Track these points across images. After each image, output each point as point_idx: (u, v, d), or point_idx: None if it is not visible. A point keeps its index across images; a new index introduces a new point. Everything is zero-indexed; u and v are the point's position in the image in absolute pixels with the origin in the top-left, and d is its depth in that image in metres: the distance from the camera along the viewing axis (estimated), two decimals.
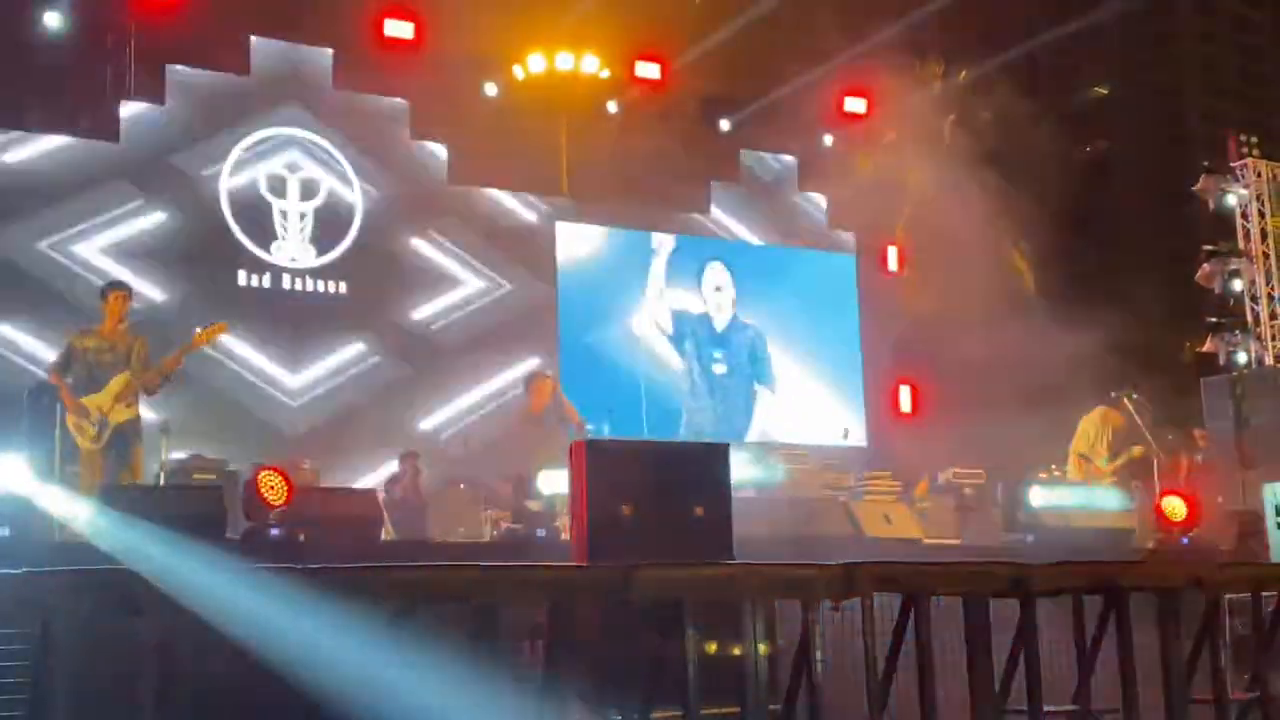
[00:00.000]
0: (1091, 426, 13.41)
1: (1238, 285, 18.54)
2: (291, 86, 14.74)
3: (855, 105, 17.34)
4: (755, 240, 17.49)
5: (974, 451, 14.99)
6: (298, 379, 14.27)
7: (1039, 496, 11.47)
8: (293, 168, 14.65)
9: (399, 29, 14.72)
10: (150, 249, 13.74)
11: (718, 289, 17.14)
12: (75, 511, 8.35)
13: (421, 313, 15.13)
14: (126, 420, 9.22)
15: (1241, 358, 18.19)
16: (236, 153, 14.35)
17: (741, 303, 17.20)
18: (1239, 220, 18.73)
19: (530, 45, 15.93)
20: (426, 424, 14.79)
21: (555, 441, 12.13)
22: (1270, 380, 16.18)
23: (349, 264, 14.75)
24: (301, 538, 8.12)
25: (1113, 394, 13.32)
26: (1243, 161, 18.85)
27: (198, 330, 9.62)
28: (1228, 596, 7.75)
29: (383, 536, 9.28)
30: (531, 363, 14.92)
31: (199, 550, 4.91)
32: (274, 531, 8.07)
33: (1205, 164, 19.23)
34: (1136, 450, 13.18)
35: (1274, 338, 18.46)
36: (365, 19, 14.53)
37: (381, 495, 11.33)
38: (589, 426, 12.59)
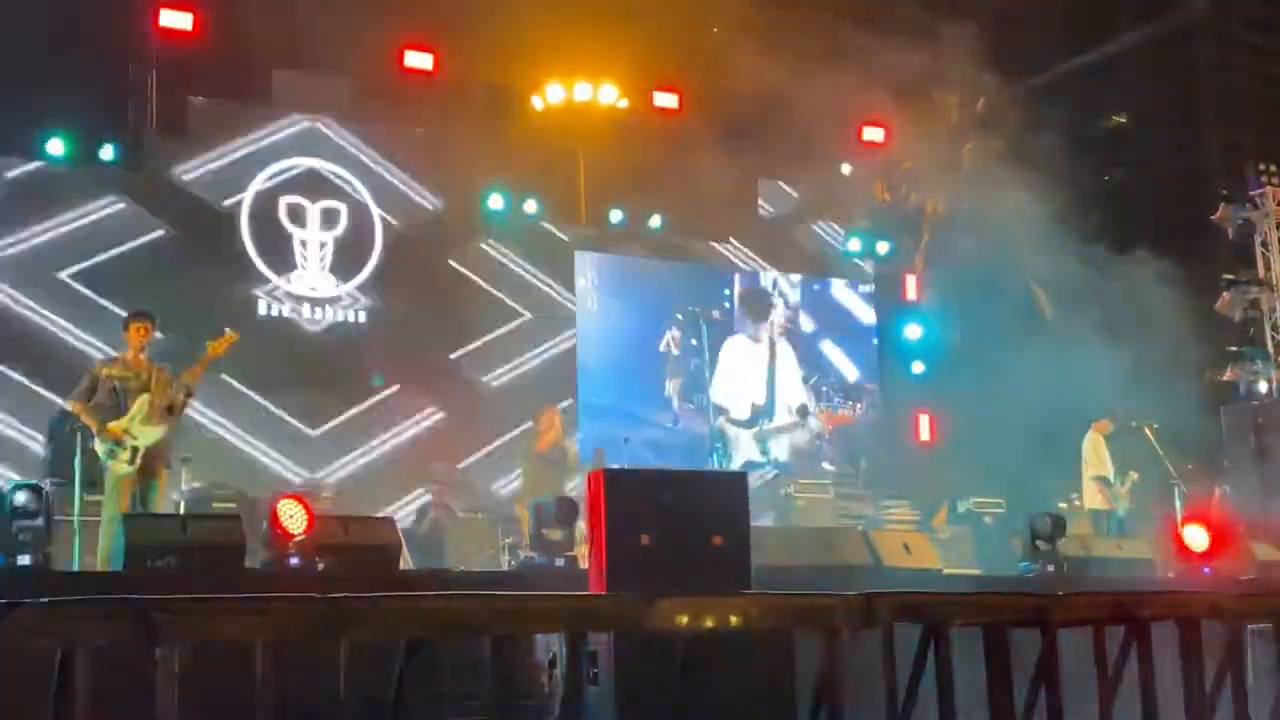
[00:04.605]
0: (1095, 448, 13.36)
1: (1257, 314, 18.46)
2: (312, 117, 14.84)
3: (873, 134, 17.38)
4: (773, 269, 17.49)
5: (993, 480, 14.95)
6: (315, 402, 14.34)
7: (1060, 525, 11.39)
8: (313, 198, 14.73)
9: (419, 60, 14.83)
10: (172, 277, 13.83)
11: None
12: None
13: (438, 342, 15.14)
14: (155, 443, 9.19)
15: (1262, 387, 18.09)
16: (257, 183, 14.45)
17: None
18: (1258, 249, 18.66)
19: (549, 75, 16.00)
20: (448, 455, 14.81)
21: (554, 476, 12.17)
22: None
23: (368, 294, 14.81)
24: (320, 566, 8.13)
25: (1133, 423, 13.29)
26: (1261, 190, 18.78)
27: (208, 343, 9.50)
28: (1250, 627, 7.70)
29: (401, 565, 9.26)
30: (548, 393, 14.92)
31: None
32: (293, 560, 8.09)
33: (1224, 193, 19.18)
34: (1134, 475, 13.20)
35: None
36: (385, 50, 14.61)
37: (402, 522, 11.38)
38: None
